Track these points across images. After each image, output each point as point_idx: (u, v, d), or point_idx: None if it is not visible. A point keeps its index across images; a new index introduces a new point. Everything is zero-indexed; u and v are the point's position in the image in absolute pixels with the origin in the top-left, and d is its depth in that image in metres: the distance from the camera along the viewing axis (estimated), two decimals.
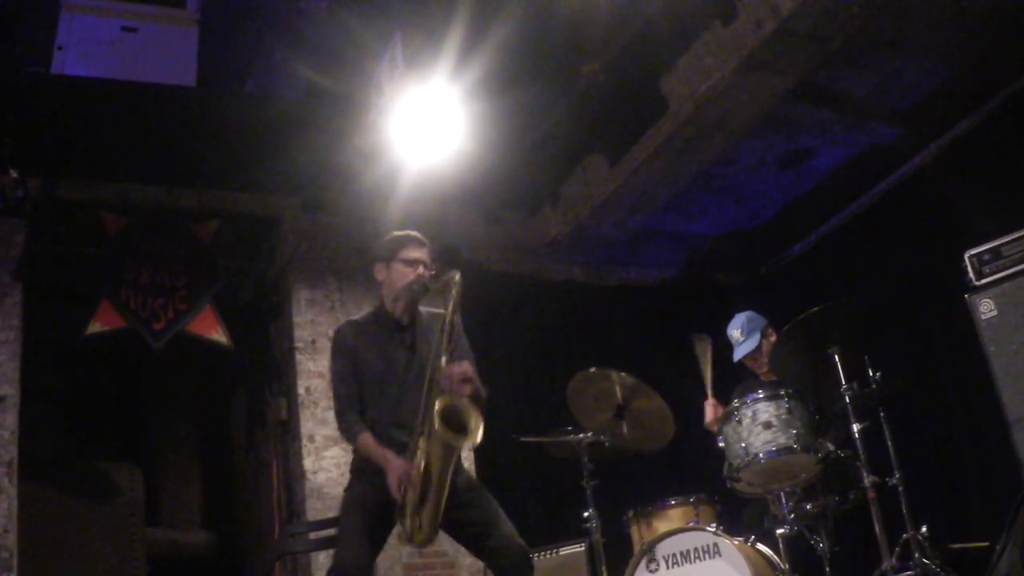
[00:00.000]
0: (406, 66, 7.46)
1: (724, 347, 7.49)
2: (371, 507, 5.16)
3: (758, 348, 7.15)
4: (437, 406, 4.95)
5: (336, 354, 5.46)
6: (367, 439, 5.18)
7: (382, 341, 5.44)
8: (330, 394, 8.43)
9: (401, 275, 5.44)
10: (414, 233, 5.60)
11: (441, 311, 5.32)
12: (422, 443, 5.01)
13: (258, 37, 8.40)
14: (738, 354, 7.26)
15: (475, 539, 5.22)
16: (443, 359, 5.11)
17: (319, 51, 7.89)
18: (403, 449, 5.14)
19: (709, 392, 7.36)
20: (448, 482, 5.05)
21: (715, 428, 6.84)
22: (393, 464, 5.05)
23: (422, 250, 5.52)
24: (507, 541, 5.12)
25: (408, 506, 5.03)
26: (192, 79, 7.83)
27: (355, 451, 5.40)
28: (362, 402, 5.34)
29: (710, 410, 7.28)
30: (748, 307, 7.45)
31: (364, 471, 5.26)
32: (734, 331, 7.30)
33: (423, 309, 5.58)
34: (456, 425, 4.96)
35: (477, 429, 4.98)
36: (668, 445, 7.07)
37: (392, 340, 5.45)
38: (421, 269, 5.43)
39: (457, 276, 5.24)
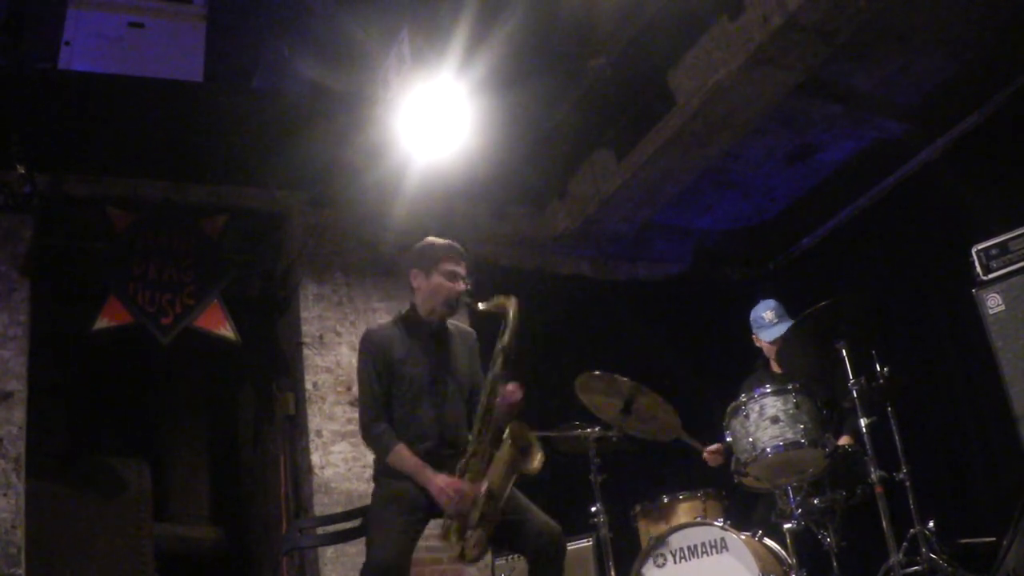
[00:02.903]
0: (413, 61, 7.47)
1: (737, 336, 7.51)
2: (408, 504, 5.11)
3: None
4: (509, 428, 5.02)
5: (366, 357, 5.38)
6: (403, 451, 5.14)
7: (414, 347, 5.39)
8: (338, 389, 8.54)
9: (441, 287, 5.40)
10: (455, 245, 5.57)
11: (469, 330, 5.51)
12: (475, 464, 5.06)
13: (265, 33, 8.40)
14: (771, 335, 7.21)
15: (510, 528, 5.18)
16: (499, 383, 5.17)
17: (326, 47, 7.91)
18: (441, 464, 5.14)
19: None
20: (503, 503, 5.07)
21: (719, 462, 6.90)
22: (438, 480, 5.04)
23: (462, 264, 5.49)
24: (538, 526, 5.11)
25: (461, 526, 5.04)
26: (199, 75, 7.83)
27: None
28: (392, 409, 5.30)
29: (711, 456, 7.29)
30: (759, 300, 7.46)
31: (394, 476, 5.19)
32: (767, 312, 7.28)
33: (451, 323, 5.58)
34: (523, 448, 5.04)
35: (540, 455, 5.07)
36: (676, 438, 7.06)
37: (425, 346, 5.41)
38: (461, 284, 5.43)
39: (515, 301, 5.28)
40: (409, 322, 5.48)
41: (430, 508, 5.17)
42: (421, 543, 8.01)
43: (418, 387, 5.30)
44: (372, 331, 5.50)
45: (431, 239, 5.61)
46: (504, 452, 5.01)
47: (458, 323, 5.64)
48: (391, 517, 5.09)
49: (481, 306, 5.35)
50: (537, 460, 5.05)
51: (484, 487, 4.99)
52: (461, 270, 5.46)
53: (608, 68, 7.89)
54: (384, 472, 5.30)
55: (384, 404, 5.28)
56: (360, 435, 5.47)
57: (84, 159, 8.14)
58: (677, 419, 6.78)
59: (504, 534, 5.27)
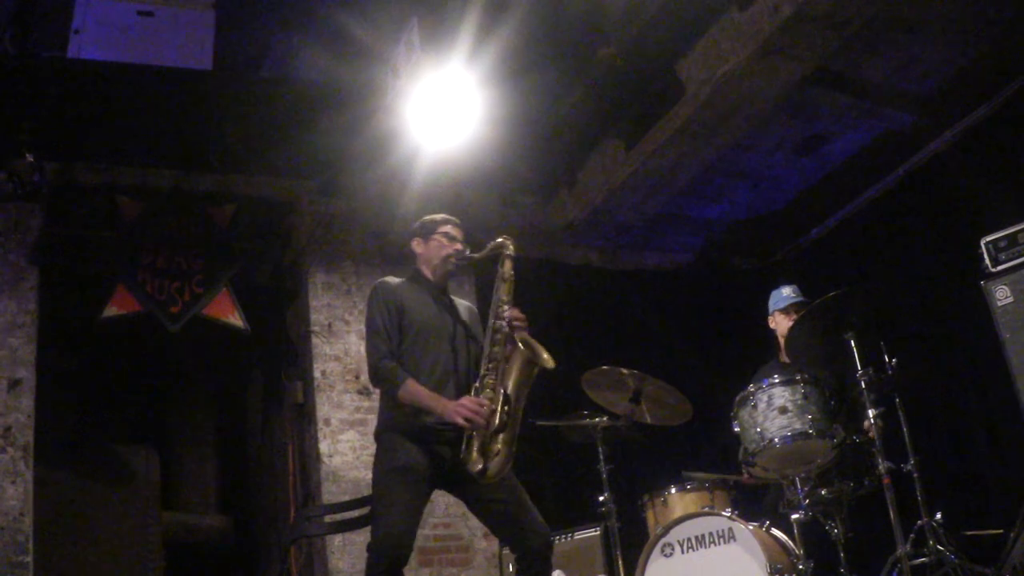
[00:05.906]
0: (423, 50, 7.46)
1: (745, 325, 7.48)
2: (412, 478, 5.10)
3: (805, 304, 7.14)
4: (518, 335, 5.19)
5: (377, 302, 5.39)
6: (413, 384, 5.15)
7: (423, 298, 5.47)
8: (347, 377, 8.55)
9: (440, 246, 5.53)
10: (451, 217, 5.69)
11: (469, 304, 5.66)
12: (491, 380, 5.14)
13: (274, 21, 8.40)
14: (786, 301, 7.23)
15: (500, 520, 5.23)
16: (503, 306, 5.30)
17: (336, 35, 7.89)
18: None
19: None
20: (523, 408, 5.19)
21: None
22: (452, 403, 5.07)
23: (459, 232, 5.62)
24: (532, 524, 5.14)
25: (476, 440, 5.06)
26: (208, 63, 7.84)
27: (389, 411, 5.30)
28: (403, 353, 5.30)
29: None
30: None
31: (401, 433, 5.18)
32: (786, 288, 7.29)
33: (452, 297, 5.65)
34: (534, 350, 5.20)
35: (548, 355, 5.24)
36: (685, 425, 7.04)
37: (434, 300, 5.49)
38: (459, 244, 5.55)
39: (510, 239, 5.46)
40: (417, 279, 5.59)
41: (434, 479, 5.18)
42: (429, 531, 8.10)
43: (429, 332, 5.36)
44: (383, 281, 5.55)
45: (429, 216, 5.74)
46: (517, 356, 5.14)
47: (459, 299, 5.73)
48: (396, 492, 5.09)
49: (477, 255, 5.52)
50: (548, 357, 5.23)
51: (501, 392, 5.10)
52: (459, 235, 5.61)
53: (617, 58, 7.87)
54: (387, 426, 5.29)
55: (395, 345, 5.30)
56: (369, 377, 5.45)
57: (93, 148, 8.15)
58: (688, 403, 6.77)
59: (494, 523, 5.37)
